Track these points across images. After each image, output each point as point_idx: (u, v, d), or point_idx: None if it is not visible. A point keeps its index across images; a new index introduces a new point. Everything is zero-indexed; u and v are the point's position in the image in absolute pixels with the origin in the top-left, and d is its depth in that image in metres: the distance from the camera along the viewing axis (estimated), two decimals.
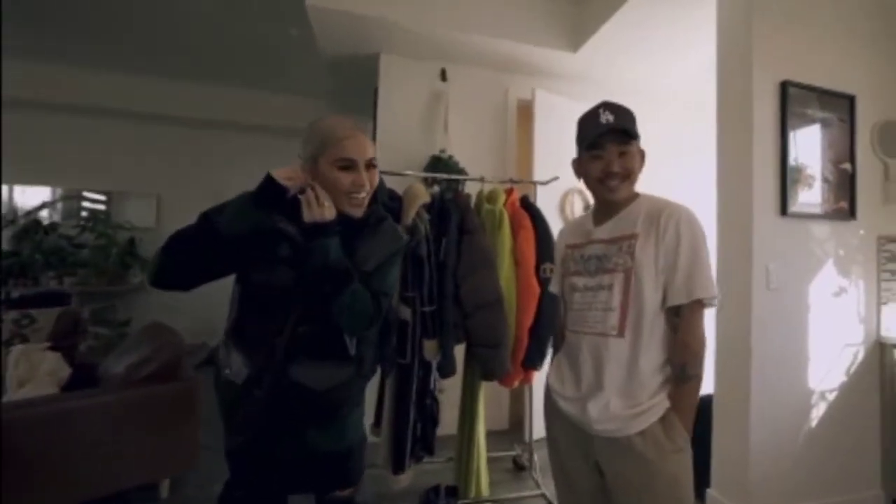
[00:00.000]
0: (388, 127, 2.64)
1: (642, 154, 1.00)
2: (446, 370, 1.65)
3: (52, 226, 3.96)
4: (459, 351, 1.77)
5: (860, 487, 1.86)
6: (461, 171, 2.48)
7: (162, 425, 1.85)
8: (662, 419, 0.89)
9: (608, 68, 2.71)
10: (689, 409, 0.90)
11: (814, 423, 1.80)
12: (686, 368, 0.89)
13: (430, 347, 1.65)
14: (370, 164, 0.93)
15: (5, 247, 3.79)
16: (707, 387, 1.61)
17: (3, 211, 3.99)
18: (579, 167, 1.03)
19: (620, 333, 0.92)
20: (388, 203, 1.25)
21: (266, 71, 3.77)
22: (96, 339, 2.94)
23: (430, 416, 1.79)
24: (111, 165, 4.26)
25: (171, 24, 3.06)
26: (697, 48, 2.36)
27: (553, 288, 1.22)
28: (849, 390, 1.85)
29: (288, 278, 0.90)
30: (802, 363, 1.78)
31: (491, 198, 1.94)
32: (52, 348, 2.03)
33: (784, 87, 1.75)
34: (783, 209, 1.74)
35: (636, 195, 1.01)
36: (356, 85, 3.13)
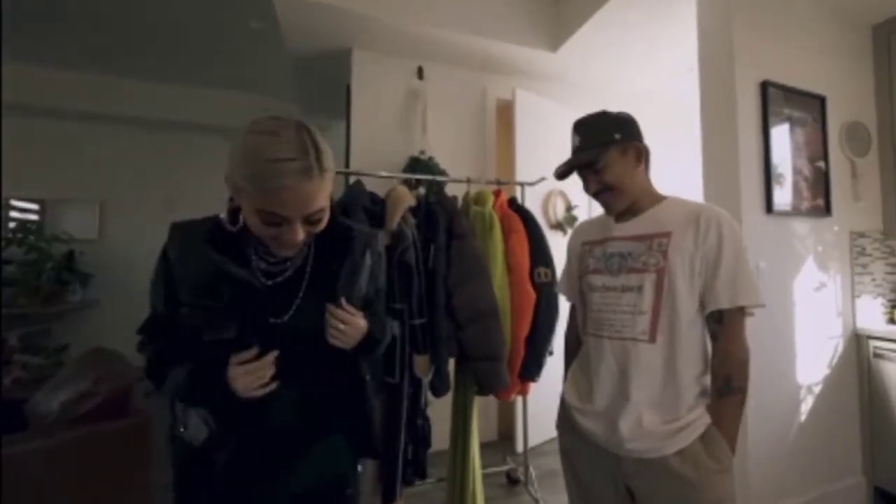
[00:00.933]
0: (362, 127, 2.49)
1: (635, 149, 0.92)
2: (440, 388, 1.52)
3: None
4: (449, 365, 1.65)
5: (844, 476, 1.91)
6: (442, 173, 2.36)
7: (108, 470, 1.58)
8: (703, 436, 0.81)
9: (587, 68, 2.70)
10: (734, 425, 0.82)
11: (803, 416, 1.82)
12: (731, 380, 0.81)
13: (421, 363, 1.52)
14: (312, 220, 0.69)
15: None
16: None
17: None
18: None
19: (652, 338, 0.84)
20: (370, 207, 1.13)
21: (224, 68, 3.48)
22: (24, 369, 2.55)
23: (421, 438, 1.64)
24: (47, 170, 3.80)
25: (118, 17, 2.75)
26: (675, 47, 2.39)
27: (560, 289, 1.13)
28: (831, 382, 1.89)
29: (239, 328, 0.72)
30: (790, 358, 1.80)
31: (479, 200, 1.84)
32: None
33: (764, 86, 1.77)
34: (769, 207, 1.75)
35: (663, 196, 0.95)
36: (326, 83, 2.94)
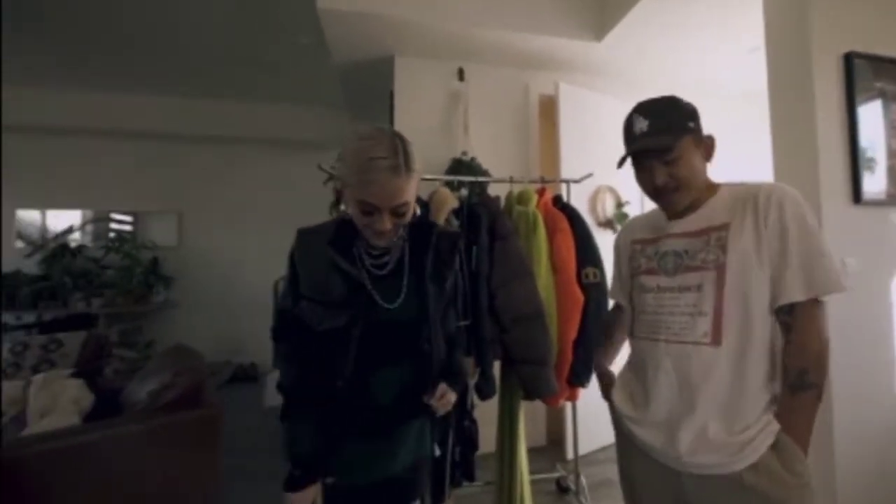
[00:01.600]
0: (405, 131, 2.44)
1: (710, 141, 0.85)
2: (486, 391, 1.51)
3: (80, 248, 4.01)
4: (495, 367, 1.63)
5: None
6: (485, 173, 2.35)
7: (185, 453, 1.76)
8: (774, 445, 0.72)
9: (635, 57, 2.54)
10: (807, 426, 0.72)
11: None
12: (807, 375, 0.71)
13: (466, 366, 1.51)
14: (398, 212, 0.80)
15: (36, 271, 3.85)
16: None
17: (36, 235, 4.09)
18: (638, 181, 0.89)
19: (715, 341, 0.76)
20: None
21: (279, 83, 3.74)
22: (122, 361, 2.91)
23: (468, 440, 1.64)
24: (136, 186, 4.33)
25: (185, 44, 3.07)
26: (735, 26, 2.17)
27: (611, 292, 1.07)
28: None
29: (349, 318, 0.85)
30: (889, 369, 1.57)
31: (522, 199, 1.80)
32: (76, 374, 1.98)
33: (848, 59, 1.56)
34: (856, 196, 1.54)
35: (717, 186, 0.86)
36: (371, 90, 3.05)
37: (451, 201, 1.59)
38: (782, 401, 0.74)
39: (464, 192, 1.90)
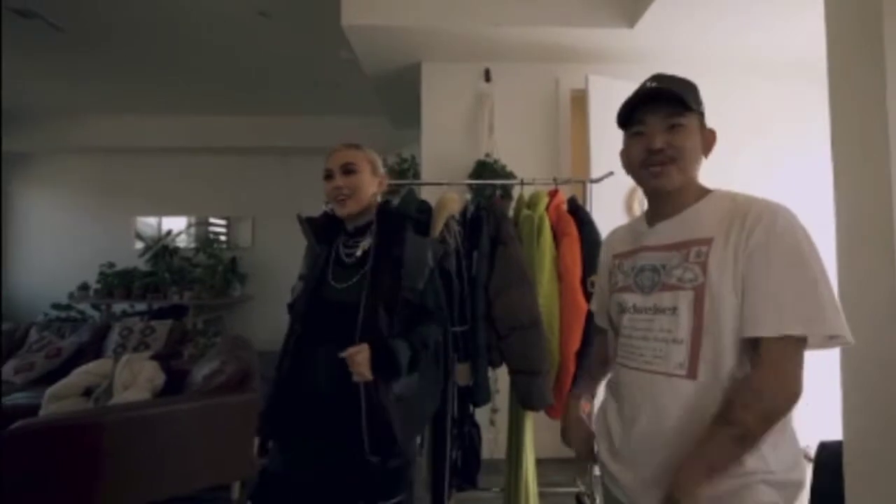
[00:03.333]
0: (432, 136, 2.59)
1: (711, 134, 0.76)
2: (478, 397, 1.50)
3: (176, 249, 4.75)
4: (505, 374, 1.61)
5: None
6: (509, 175, 2.30)
7: (230, 432, 2.02)
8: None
9: (673, 39, 2.27)
10: (708, 458, 0.61)
11: None
12: (735, 411, 0.61)
13: (461, 371, 1.52)
14: (347, 170, 1.02)
15: (146, 268, 4.65)
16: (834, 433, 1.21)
17: (149, 238, 4.96)
18: (624, 156, 0.80)
19: (691, 374, 0.66)
20: (416, 216, 1.22)
21: (329, 96, 4.04)
22: (195, 347, 3.41)
23: (470, 445, 1.65)
24: (224, 195, 5.02)
25: (239, 66, 3.48)
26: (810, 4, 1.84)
27: (592, 306, 1.00)
28: None
29: (307, 289, 1.03)
30: None
31: (531, 202, 1.74)
32: (154, 357, 2.37)
33: None
34: None
35: (707, 190, 0.75)
36: (404, 97, 3.15)
37: (451, 206, 1.60)
38: (708, 428, 0.63)
39: (468, 196, 1.89)
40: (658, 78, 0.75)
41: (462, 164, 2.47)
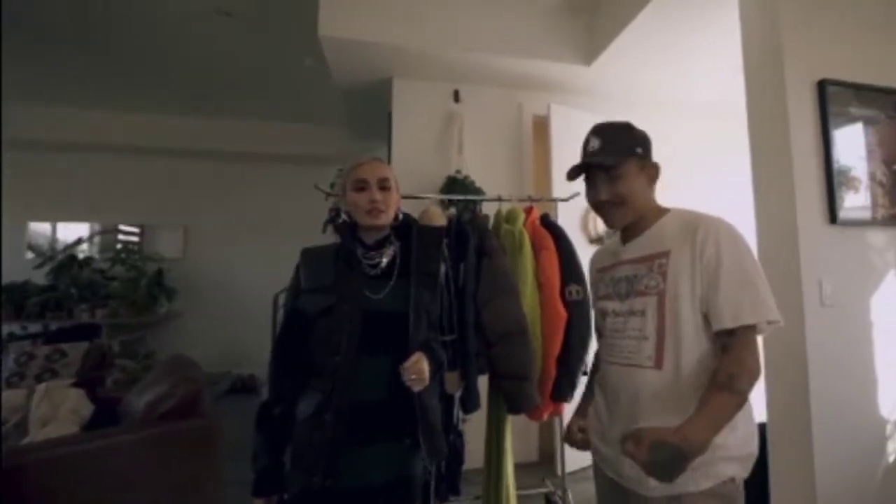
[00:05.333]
0: (402, 150, 2.63)
1: (653, 168, 0.91)
2: (470, 405, 1.55)
3: (87, 260, 4.12)
4: (482, 382, 1.67)
5: None
6: (478, 191, 2.42)
7: (181, 463, 1.80)
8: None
9: (625, 80, 2.63)
10: (715, 420, 0.71)
11: (891, 456, 1.59)
12: (735, 380, 0.73)
13: (450, 379, 1.56)
14: (383, 186, 1.01)
15: (44, 281, 3.96)
16: (758, 414, 1.46)
17: (46, 247, 4.22)
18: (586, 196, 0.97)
19: (657, 365, 0.81)
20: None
21: (284, 102, 3.88)
22: (122, 372, 2.97)
23: (454, 454, 1.67)
24: (144, 200, 4.47)
25: (192, 65, 3.22)
26: (717, 52, 2.25)
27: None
28: None
29: (339, 298, 0.98)
30: (870, 388, 1.59)
31: (510, 218, 1.86)
32: (77, 384, 2.04)
33: (822, 85, 1.62)
34: (832, 217, 1.58)
35: (665, 210, 0.92)
36: (371, 110, 3.16)
37: (438, 219, 1.65)
38: (704, 394, 0.74)
39: (453, 210, 1.97)
40: (598, 132, 0.90)
41: (432, 179, 2.54)
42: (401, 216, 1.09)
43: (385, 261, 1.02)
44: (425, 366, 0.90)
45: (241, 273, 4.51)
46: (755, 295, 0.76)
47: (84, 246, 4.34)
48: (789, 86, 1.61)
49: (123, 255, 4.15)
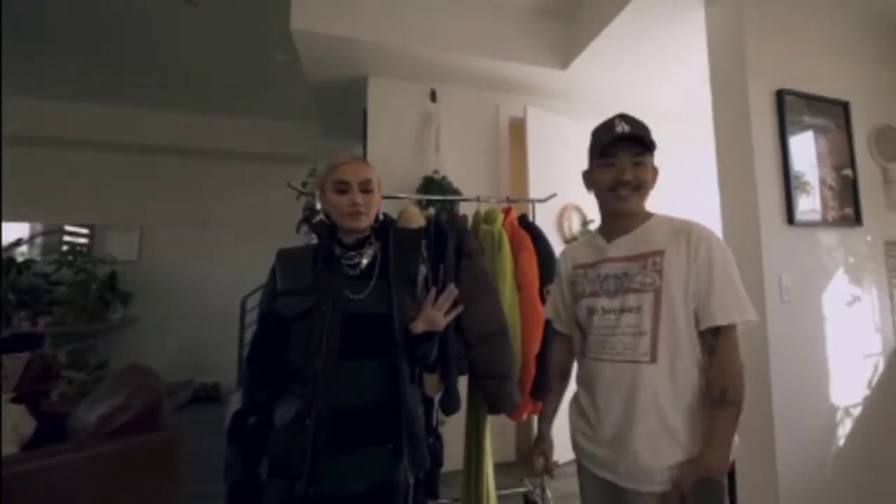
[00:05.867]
0: (378, 150, 2.58)
1: (656, 170, 0.94)
2: (450, 406, 1.53)
3: (27, 263, 3.77)
4: (462, 384, 1.66)
5: None
6: (455, 192, 2.41)
7: (141, 480, 1.67)
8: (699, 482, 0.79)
9: (599, 84, 2.70)
10: (727, 437, 0.79)
11: (841, 440, 1.70)
12: (727, 392, 0.79)
13: (430, 382, 1.52)
14: (365, 188, 0.97)
15: None
16: None
17: None
18: (590, 178, 0.97)
19: (653, 359, 0.83)
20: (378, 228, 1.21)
21: (252, 97, 3.72)
22: (69, 384, 2.73)
23: (433, 457, 1.63)
24: (95, 198, 4.14)
25: (153, 54, 3.02)
26: (686, 60, 2.36)
27: (548, 313, 1.12)
28: (873, 403, 1.76)
29: (318, 298, 0.94)
30: (822, 378, 1.70)
31: (488, 218, 1.86)
32: (16, 400, 1.85)
33: (780, 95, 1.73)
34: (790, 218, 1.69)
35: (650, 214, 0.95)
36: (344, 108, 3.08)
37: (417, 220, 1.63)
38: (706, 415, 0.80)
39: (431, 210, 1.94)
40: (626, 119, 0.91)
41: (409, 179, 2.50)
42: (381, 216, 1.06)
43: (365, 261, 0.99)
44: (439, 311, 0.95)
45: (203, 276, 4.27)
46: (739, 296, 0.83)
47: (24, 248, 3.97)
48: (751, 94, 1.70)
49: (70, 258, 3.83)
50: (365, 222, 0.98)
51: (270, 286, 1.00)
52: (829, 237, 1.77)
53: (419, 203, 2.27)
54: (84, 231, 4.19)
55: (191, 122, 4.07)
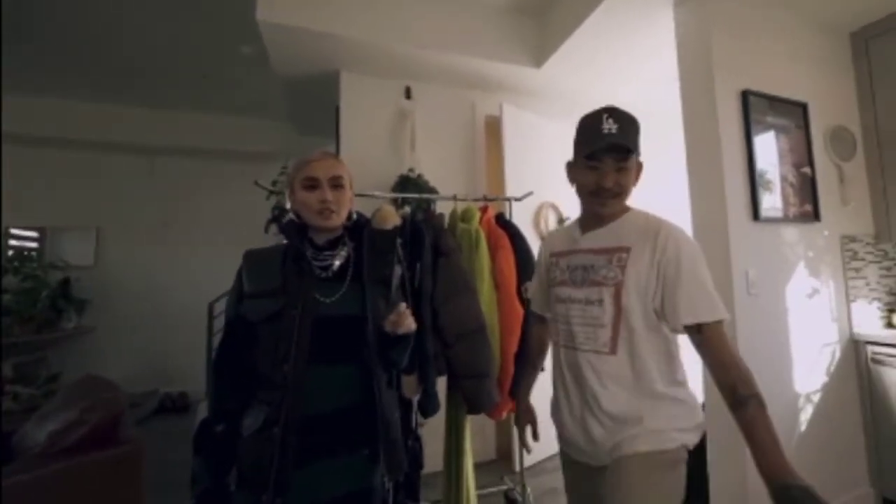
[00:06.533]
0: (352, 147, 2.51)
1: (640, 167, 0.94)
2: (429, 408, 1.50)
3: None
4: (440, 384, 1.63)
5: (851, 487, 1.86)
6: (431, 190, 2.37)
7: (98, 499, 1.55)
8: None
9: (571, 83, 2.73)
10: (767, 433, 0.72)
11: (803, 426, 1.79)
12: (737, 390, 0.76)
13: (408, 383, 1.49)
14: (336, 184, 0.94)
15: None
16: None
17: None
18: (573, 173, 0.96)
19: (612, 351, 0.87)
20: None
21: (219, 93, 3.55)
22: (15, 400, 2.52)
23: (413, 459, 1.60)
24: (46, 198, 3.84)
25: (115, 47, 2.83)
26: (656, 59, 2.41)
27: (529, 294, 1.18)
28: (831, 390, 1.86)
29: (287, 301, 0.90)
30: (787, 367, 1.77)
31: (465, 217, 1.84)
32: None
33: (745, 95, 1.79)
34: (755, 214, 1.75)
35: (627, 208, 0.96)
36: (317, 104, 2.99)
37: (393, 218, 1.58)
38: (736, 422, 0.76)
39: (407, 209, 1.90)
40: (614, 115, 0.86)
41: (384, 177, 2.45)
42: (354, 216, 1.03)
43: (338, 263, 0.96)
44: (410, 320, 0.90)
45: (167, 280, 4.06)
46: (708, 295, 0.83)
47: None
48: (718, 94, 1.76)
49: (16, 264, 3.54)
50: (336, 221, 0.95)
51: (237, 289, 0.96)
52: (790, 232, 1.85)
53: (395, 202, 2.23)
54: (32, 234, 3.89)
55: (152, 118, 3.84)
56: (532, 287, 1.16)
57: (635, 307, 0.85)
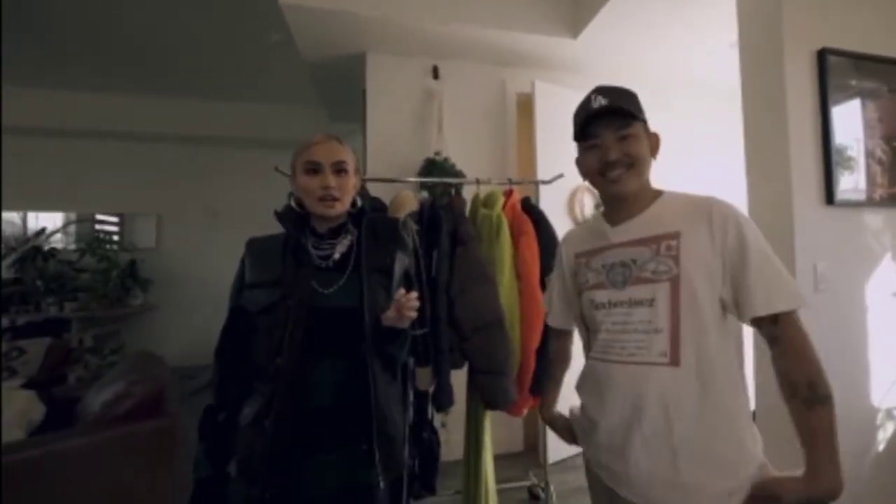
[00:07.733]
0: (378, 131, 2.47)
1: (655, 138, 0.81)
2: (442, 402, 1.45)
3: (52, 252, 3.91)
4: (461, 375, 1.58)
5: None
6: (458, 174, 2.28)
7: (142, 467, 1.69)
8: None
9: (614, 54, 2.48)
10: (834, 447, 0.64)
11: (881, 445, 1.53)
12: (817, 387, 0.65)
13: (423, 376, 1.45)
14: (339, 169, 0.91)
15: (6, 275, 3.77)
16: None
17: (12, 238, 4.00)
18: (579, 166, 0.85)
19: (674, 361, 0.70)
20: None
21: (253, 82, 3.66)
22: (86, 368, 2.83)
23: (428, 451, 1.58)
24: (121, 188, 4.25)
25: (163, 45, 3.01)
26: (713, 21, 2.11)
27: (546, 307, 1.01)
28: None
29: (284, 292, 0.88)
30: (863, 377, 1.52)
31: (488, 202, 1.74)
32: (29, 384, 1.91)
33: (822, 55, 1.50)
34: (829, 198, 1.48)
35: (660, 192, 0.81)
36: (344, 88, 2.98)
37: (409, 204, 1.53)
38: (799, 419, 0.66)
39: (425, 194, 1.83)
40: (603, 91, 0.79)
41: (410, 161, 2.39)
42: (359, 202, 0.98)
43: (339, 252, 0.92)
44: (413, 302, 0.85)
45: (217, 263, 4.33)
46: (783, 280, 0.70)
47: (59, 236, 4.14)
48: (787, 56, 1.48)
49: (93, 246, 3.96)
50: (338, 208, 0.91)
51: (239, 278, 0.95)
52: (875, 218, 1.55)
53: (419, 186, 2.17)
54: (114, 220, 4.32)
55: (198, 110, 4.06)
56: (549, 297, 0.99)
57: (702, 303, 0.70)
